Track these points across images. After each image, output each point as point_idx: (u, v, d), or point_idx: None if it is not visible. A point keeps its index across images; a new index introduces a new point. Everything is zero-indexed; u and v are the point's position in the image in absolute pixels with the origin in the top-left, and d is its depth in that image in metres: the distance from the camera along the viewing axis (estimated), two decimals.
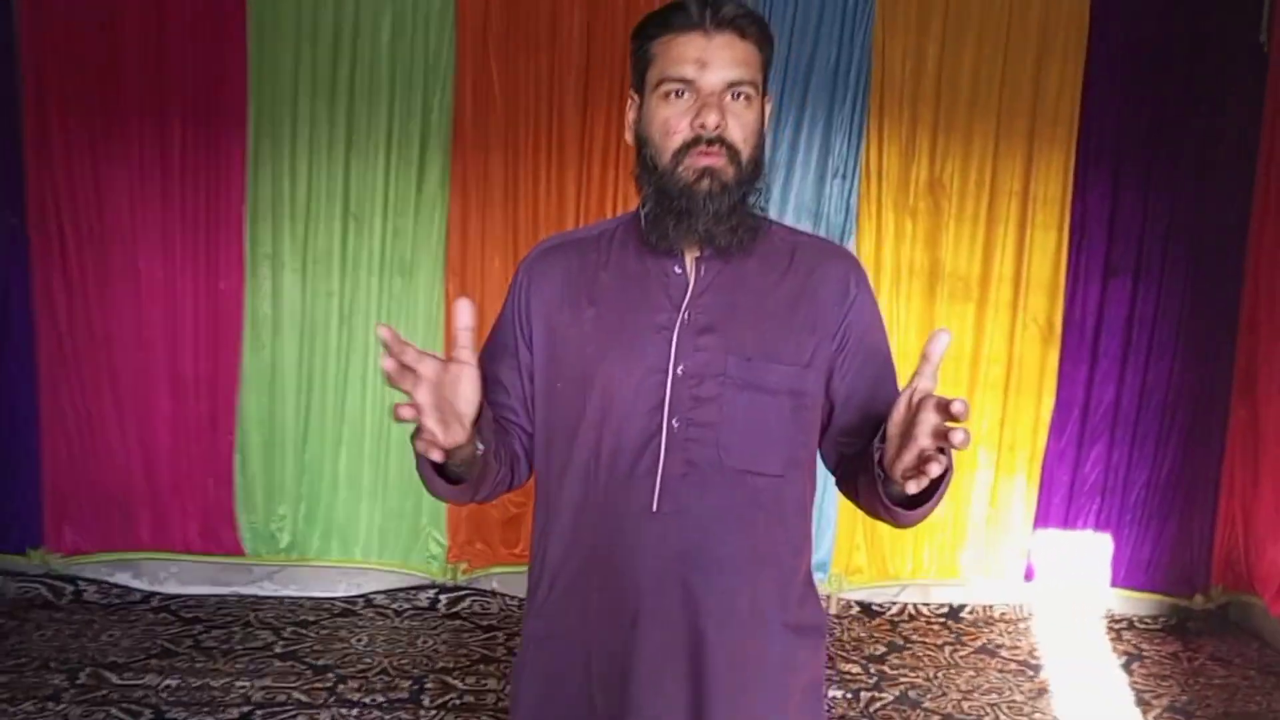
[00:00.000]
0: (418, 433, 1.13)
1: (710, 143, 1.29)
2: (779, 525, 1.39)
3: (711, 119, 1.29)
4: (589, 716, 1.39)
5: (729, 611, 1.35)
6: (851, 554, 4.11)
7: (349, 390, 3.91)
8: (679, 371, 1.33)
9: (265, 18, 3.74)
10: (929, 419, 1.10)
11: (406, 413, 1.08)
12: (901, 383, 1.27)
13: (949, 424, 1.09)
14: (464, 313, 1.14)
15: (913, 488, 1.13)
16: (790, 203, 4.06)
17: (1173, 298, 4.13)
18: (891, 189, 4.09)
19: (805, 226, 3.97)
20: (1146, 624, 4.11)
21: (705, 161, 1.30)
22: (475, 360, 1.16)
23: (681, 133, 1.30)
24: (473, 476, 1.27)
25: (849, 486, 1.43)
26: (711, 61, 1.29)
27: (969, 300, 4.15)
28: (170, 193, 3.79)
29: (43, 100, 3.69)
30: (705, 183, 1.30)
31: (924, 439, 1.10)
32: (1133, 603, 4.19)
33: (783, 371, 1.35)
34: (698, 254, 1.38)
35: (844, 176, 4.07)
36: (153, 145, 3.76)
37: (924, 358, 1.14)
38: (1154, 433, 4.15)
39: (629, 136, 1.40)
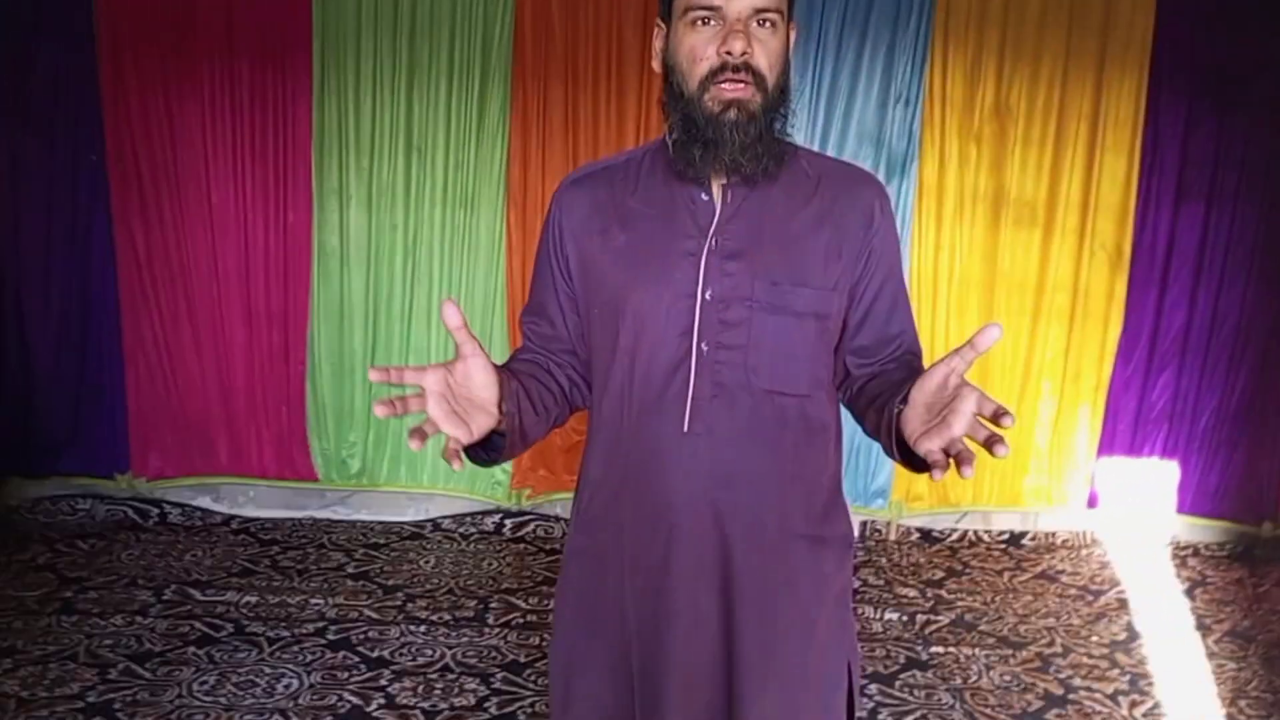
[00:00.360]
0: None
1: (737, 69, 1.31)
2: (805, 443, 1.42)
3: (738, 45, 1.30)
4: (620, 628, 1.45)
5: (759, 527, 1.40)
6: (912, 481, 4.12)
7: (414, 320, 4.00)
8: (707, 296, 1.36)
9: None
10: (968, 410, 1.09)
11: (415, 445, 1.12)
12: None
13: (995, 429, 1.08)
14: (451, 315, 1.17)
15: (938, 475, 1.11)
16: (852, 129, 4.01)
17: (1247, 224, 4.03)
18: (955, 114, 4.02)
19: (868, 153, 3.97)
20: (1212, 550, 4.08)
21: (732, 93, 1.32)
22: (478, 350, 1.21)
23: (709, 59, 1.32)
24: (513, 440, 1.31)
25: (856, 410, 1.46)
26: None
27: (1035, 226, 4.08)
28: (240, 129, 3.88)
29: (116, 41, 3.79)
30: (732, 113, 1.32)
31: (959, 429, 1.09)
32: (1199, 530, 4.15)
33: (810, 295, 1.38)
34: (724, 181, 1.39)
35: (907, 102, 4.01)
36: (222, 83, 3.85)
37: (971, 345, 1.10)
38: (1225, 360, 4.07)
39: (656, 64, 1.42)
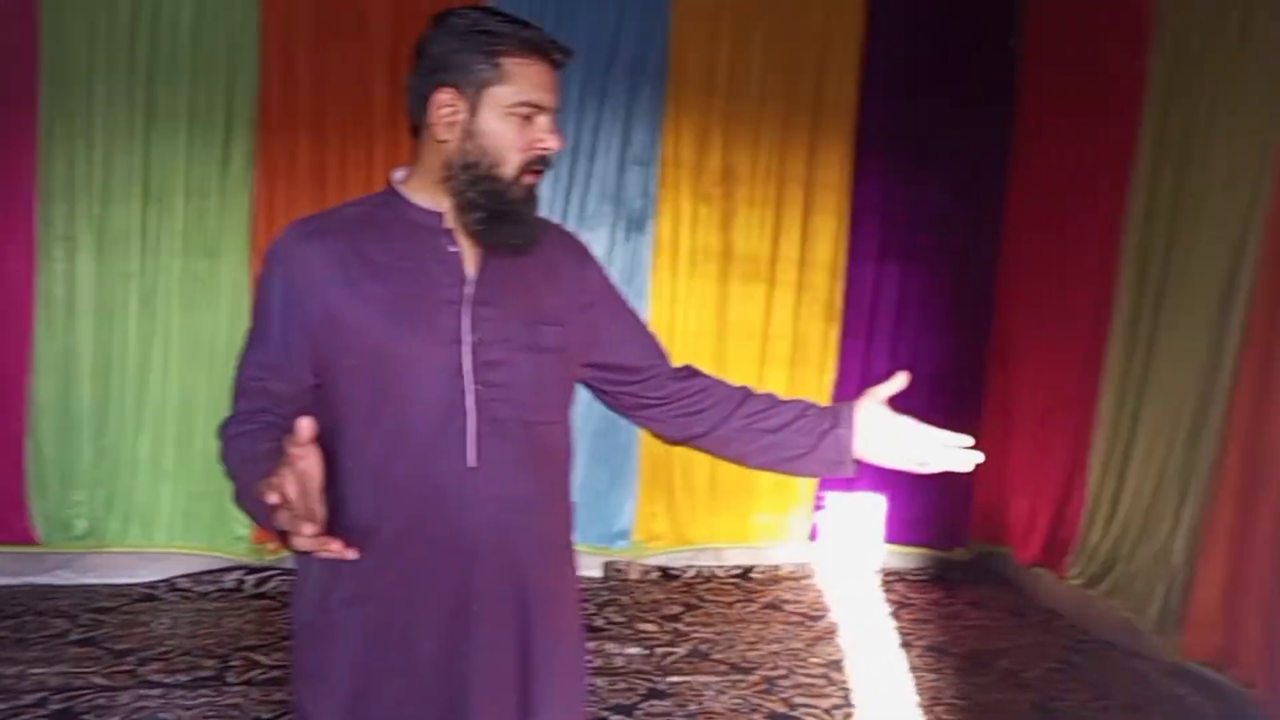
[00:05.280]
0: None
1: (546, 162, 1.49)
2: (562, 464, 1.62)
3: (558, 143, 1.49)
4: (413, 663, 1.52)
5: (541, 543, 1.56)
6: (651, 522, 4.35)
7: (150, 373, 3.87)
8: (472, 340, 1.49)
9: None
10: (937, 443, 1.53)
11: (315, 542, 1.25)
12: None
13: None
14: (305, 429, 1.26)
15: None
16: (593, 189, 4.24)
17: (938, 280, 4.55)
18: (688, 175, 4.33)
19: (608, 211, 4.21)
20: (914, 575, 4.54)
21: (534, 180, 1.50)
22: (311, 451, 1.27)
23: (531, 151, 1.48)
24: None
25: (726, 428, 1.65)
26: (554, 91, 1.49)
27: (759, 281, 4.45)
28: None
29: None
30: (533, 198, 1.52)
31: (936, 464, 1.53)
32: (903, 557, 4.62)
33: (551, 332, 1.56)
34: (469, 233, 1.53)
35: (643, 164, 4.28)
36: None
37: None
38: (923, 401, 4.44)
39: (446, 133, 1.48)
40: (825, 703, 3.30)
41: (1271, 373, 3.16)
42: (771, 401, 1.65)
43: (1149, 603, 3.63)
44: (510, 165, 1.48)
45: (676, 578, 4.34)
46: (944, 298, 4.55)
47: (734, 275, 4.42)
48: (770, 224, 4.44)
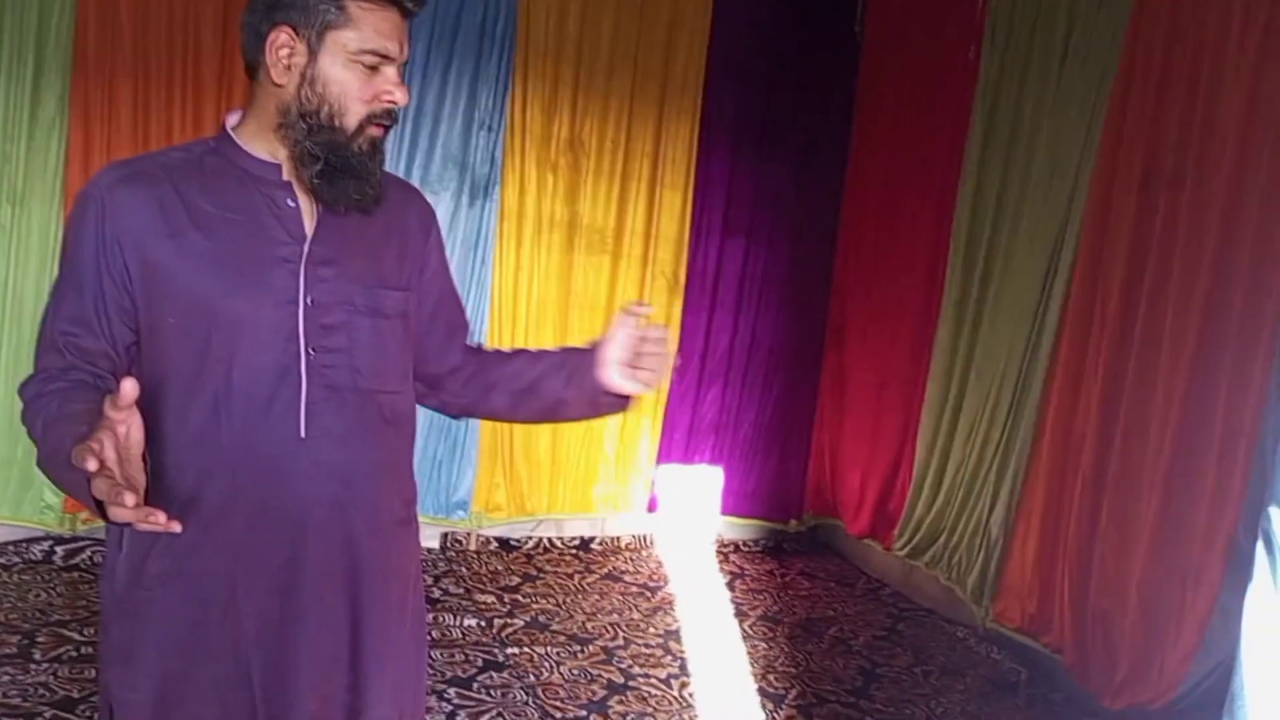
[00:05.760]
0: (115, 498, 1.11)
1: (392, 116, 1.40)
2: (400, 435, 1.54)
3: (405, 97, 1.39)
4: (235, 644, 1.42)
5: (374, 517, 1.48)
6: (491, 492, 4.30)
7: None
8: (309, 302, 1.39)
9: None
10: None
11: (137, 513, 1.08)
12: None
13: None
14: (129, 391, 1.12)
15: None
16: (438, 152, 4.13)
17: (779, 257, 4.65)
18: (535, 143, 4.27)
19: (452, 176, 4.10)
20: (749, 546, 4.65)
21: (379, 134, 1.40)
22: (131, 414, 1.14)
23: (376, 103, 1.38)
24: None
25: (496, 391, 1.62)
26: (403, 43, 1.39)
27: (604, 252, 4.44)
28: None
29: None
30: (379, 153, 1.41)
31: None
32: (739, 528, 4.72)
33: (394, 296, 1.48)
34: (310, 189, 1.43)
35: (490, 129, 4.20)
36: None
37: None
38: (761, 377, 4.66)
39: (281, 77, 1.37)
40: (662, 672, 3.34)
41: (1084, 356, 3.36)
42: (532, 356, 1.62)
43: (968, 572, 3.81)
44: (352, 116, 1.38)
45: (516, 549, 4.31)
46: (784, 275, 4.65)
47: (579, 246, 4.39)
48: (616, 196, 4.43)
